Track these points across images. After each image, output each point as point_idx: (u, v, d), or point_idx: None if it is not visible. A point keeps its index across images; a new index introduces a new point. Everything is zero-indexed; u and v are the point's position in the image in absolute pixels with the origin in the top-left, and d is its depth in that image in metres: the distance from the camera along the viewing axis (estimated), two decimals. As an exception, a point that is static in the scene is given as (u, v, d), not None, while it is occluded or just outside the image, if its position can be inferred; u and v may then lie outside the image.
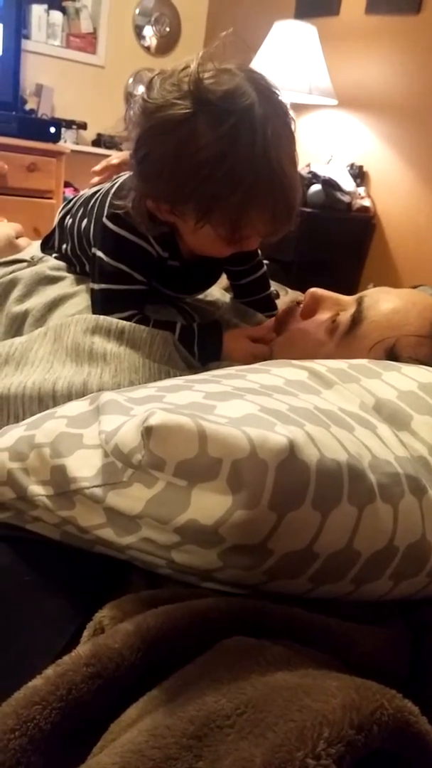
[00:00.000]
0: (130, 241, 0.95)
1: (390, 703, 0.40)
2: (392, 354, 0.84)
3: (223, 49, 0.85)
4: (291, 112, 0.87)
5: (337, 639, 0.54)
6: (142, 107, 0.84)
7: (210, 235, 0.88)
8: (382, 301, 0.89)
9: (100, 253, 0.98)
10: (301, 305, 0.99)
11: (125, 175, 1.00)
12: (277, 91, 0.85)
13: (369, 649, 0.55)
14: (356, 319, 0.89)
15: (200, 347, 0.98)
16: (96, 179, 1.26)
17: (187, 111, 0.80)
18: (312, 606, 0.56)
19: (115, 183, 1.01)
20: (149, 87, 0.84)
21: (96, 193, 1.08)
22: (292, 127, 0.87)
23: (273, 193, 0.83)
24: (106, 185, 1.06)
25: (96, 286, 0.99)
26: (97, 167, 1.26)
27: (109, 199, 0.98)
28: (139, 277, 0.97)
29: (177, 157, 0.82)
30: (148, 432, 0.52)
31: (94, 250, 1.00)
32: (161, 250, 0.97)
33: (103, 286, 0.98)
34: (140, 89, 0.85)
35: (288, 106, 0.87)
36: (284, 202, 0.85)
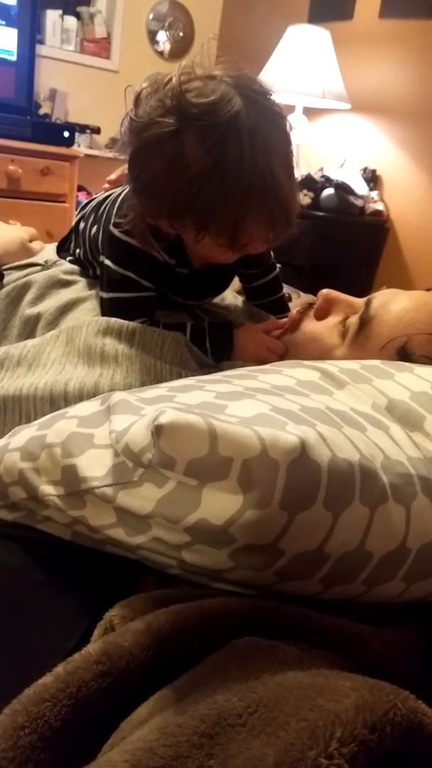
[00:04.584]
0: (137, 249, 0.95)
1: (403, 704, 0.40)
2: (404, 353, 0.84)
3: (208, 54, 0.85)
4: (283, 114, 0.86)
5: (349, 640, 0.53)
6: (130, 127, 0.84)
7: (212, 244, 0.88)
8: (392, 302, 0.89)
9: (107, 261, 0.98)
10: (315, 306, 0.99)
11: None
12: (266, 95, 0.84)
13: (381, 650, 0.54)
14: (365, 319, 0.89)
15: (212, 343, 0.98)
16: (108, 186, 1.26)
17: (173, 128, 0.80)
18: (324, 607, 0.56)
19: (126, 189, 1.00)
20: (136, 104, 0.83)
21: (107, 198, 1.08)
22: (286, 128, 0.86)
23: (267, 201, 0.83)
24: (118, 190, 1.06)
25: (105, 295, 0.99)
26: (112, 176, 1.26)
27: (116, 206, 0.99)
28: (147, 284, 0.97)
29: (168, 174, 0.82)
30: (158, 431, 0.51)
31: (101, 257, 1.00)
32: (168, 257, 0.97)
33: (111, 294, 0.98)
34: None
35: (280, 107, 0.85)
36: (280, 209, 0.85)
